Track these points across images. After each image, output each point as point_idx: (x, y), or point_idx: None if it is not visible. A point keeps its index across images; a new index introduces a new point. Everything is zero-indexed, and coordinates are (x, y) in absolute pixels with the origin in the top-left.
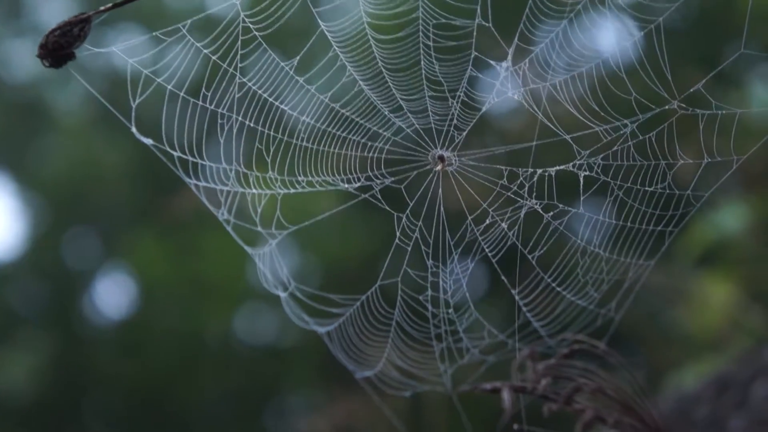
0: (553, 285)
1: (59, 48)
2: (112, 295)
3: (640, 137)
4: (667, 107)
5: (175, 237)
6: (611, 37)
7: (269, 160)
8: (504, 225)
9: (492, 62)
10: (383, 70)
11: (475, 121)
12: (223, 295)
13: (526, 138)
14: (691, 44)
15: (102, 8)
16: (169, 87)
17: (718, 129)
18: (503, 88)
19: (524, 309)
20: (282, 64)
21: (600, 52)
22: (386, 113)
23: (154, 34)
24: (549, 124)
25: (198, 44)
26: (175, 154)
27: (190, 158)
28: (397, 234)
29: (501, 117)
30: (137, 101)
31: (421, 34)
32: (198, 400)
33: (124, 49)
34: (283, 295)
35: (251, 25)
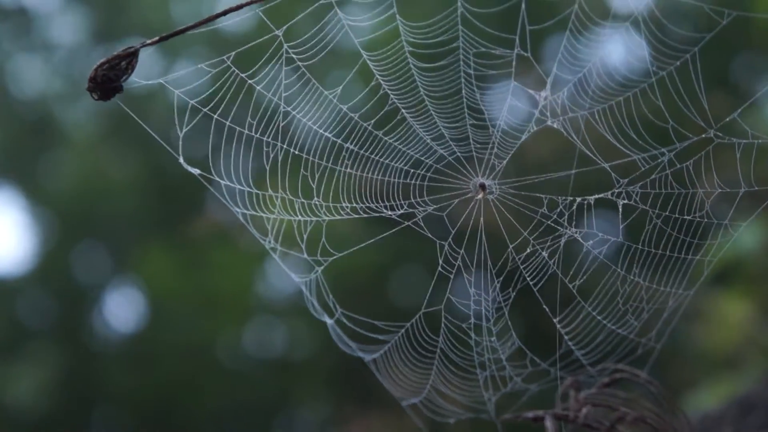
0: (594, 314)
1: (108, 81)
2: (122, 309)
3: (678, 166)
4: (704, 136)
5: (184, 251)
6: (644, 65)
7: (314, 187)
8: (545, 254)
9: (531, 92)
10: (425, 98)
11: (515, 149)
12: (232, 310)
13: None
14: (704, 65)
15: (148, 42)
16: (215, 116)
17: (742, 156)
18: (543, 116)
19: (566, 338)
20: (326, 92)
21: (636, 81)
22: (428, 141)
23: (200, 66)
24: (589, 153)
25: (242, 75)
26: (222, 182)
27: (237, 186)
28: (440, 262)
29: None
30: (183, 131)
31: (461, 62)
32: (207, 414)
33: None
34: (329, 321)
35: (294, 56)
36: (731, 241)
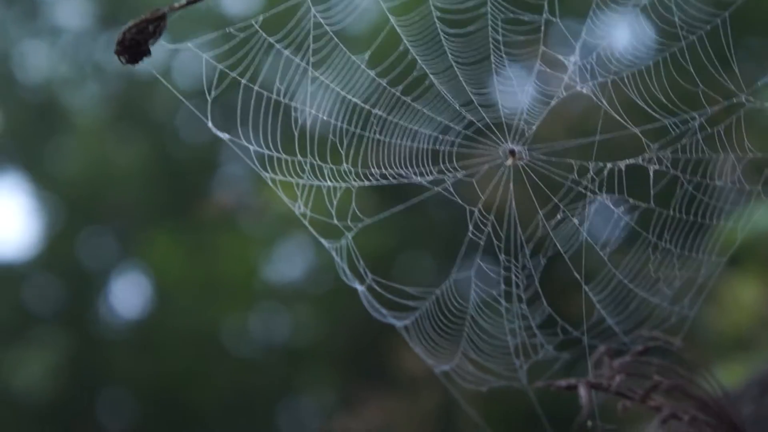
0: (625, 282)
1: (136, 45)
2: (128, 294)
3: (708, 131)
4: (734, 100)
5: (190, 236)
6: (673, 31)
7: (343, 153)
8: (575, 220)
9: (560, 56)
10: (453, 63)
11: (544, 114)
12: (238, 295)
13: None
14: (715, 36)
15: (176, 5)
16: (244, 81)
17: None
18: (572, 81)
19: (597, 306)
20: (353, 57)
21: (666, 46)
22: (457, 107)
23: (227, 29)
24: (619, 118)
25: (270, 39)
26: (251, 147)
27: (267, 152)
28: (470, 228)
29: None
30: (212, 96)
31: (490, 28)
32: (213, 400)
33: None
34: (360, 288)
35: (322, 20)
36: (762, 210)
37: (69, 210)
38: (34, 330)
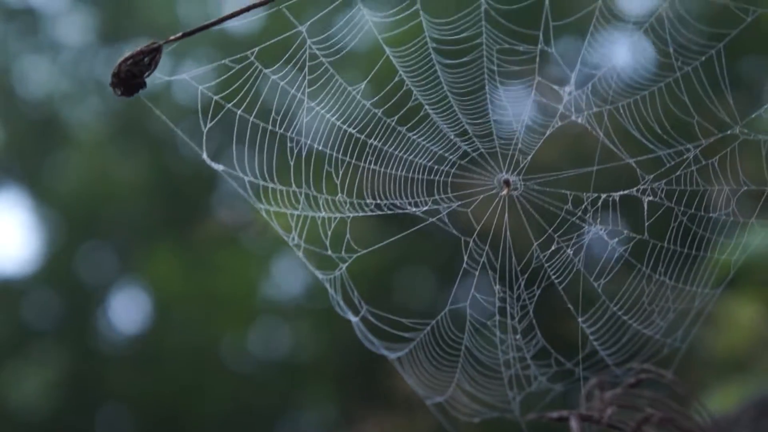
0: (619, 314)
1: (131, 77)
2: (127, 310)
3: (703, 162)
4: (729, 132)
5: (190, 252)
6: (667, 62)
7: (338, 183)
8: (570, 251)
9: (555, 87)
10: (448, 94)
11: (539, 144)
12: (237, 311)
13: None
14: (709, 65)
15: (172, 38)
16: (239, 112)
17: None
18: (567, 112)
19: (591, 338)
20: (349, 88)
21: (659, 77)
22: (452, 137)
23: (224, 61)
24: (614, 148)
25: (266, 71)
26: (246, 178)
27: (261, 182)
28: (465, 259)
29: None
30: (207, 126)
31: (485, 59)
32: (211, 416)
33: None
34: (354, 319)
35: (317, 51)
36: (759, 239)
37: (69, 225)
38: (33, 345)
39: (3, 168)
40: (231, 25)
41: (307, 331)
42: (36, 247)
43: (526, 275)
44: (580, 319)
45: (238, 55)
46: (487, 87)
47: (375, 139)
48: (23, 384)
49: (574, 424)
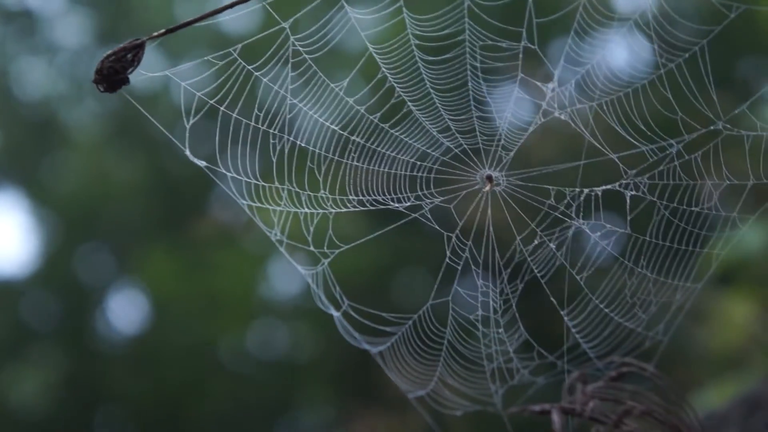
0: (601, 306)
1: (114, 73)
2: (125, 310)
3: (686, 157)
4: (712, 128)
5: (187, 253)
6: (652, 58)
7: (320, 179)
8: (552, 245)
9: (538, 83)
10: (431, 91)
11: (522, 141)
12: (235, 311)
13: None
14: (696, 62)
15: (155, 34)
16: (222, 108)
17: (750, 149)
18: (550, 108)
19: (573, 330)
20: (332, 85)
21: (643, 74)
22: (434, 133)
23: (206, 58)
24: (597, 144)
25: (249, 67)
26: (229, 174)
27: (244, 179)
28: (447, 254)
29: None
30: (190, 122)
31: (468, 55)
32: (210, 416)
33: (176, 72)
34: (336, 314)
35: (301, 48)
36: (740, 234)
37: (66, 226)
38: (32, 346)
39: (1, 170)
40: (227, 21)
41: (304, 331)
42: (34, 248)
43: (509, 270)
44: (563, 312)
45: (221, 52)
46: (470, 83)
47: (358, 136)
48: (22, 385)
49: (555, 417)
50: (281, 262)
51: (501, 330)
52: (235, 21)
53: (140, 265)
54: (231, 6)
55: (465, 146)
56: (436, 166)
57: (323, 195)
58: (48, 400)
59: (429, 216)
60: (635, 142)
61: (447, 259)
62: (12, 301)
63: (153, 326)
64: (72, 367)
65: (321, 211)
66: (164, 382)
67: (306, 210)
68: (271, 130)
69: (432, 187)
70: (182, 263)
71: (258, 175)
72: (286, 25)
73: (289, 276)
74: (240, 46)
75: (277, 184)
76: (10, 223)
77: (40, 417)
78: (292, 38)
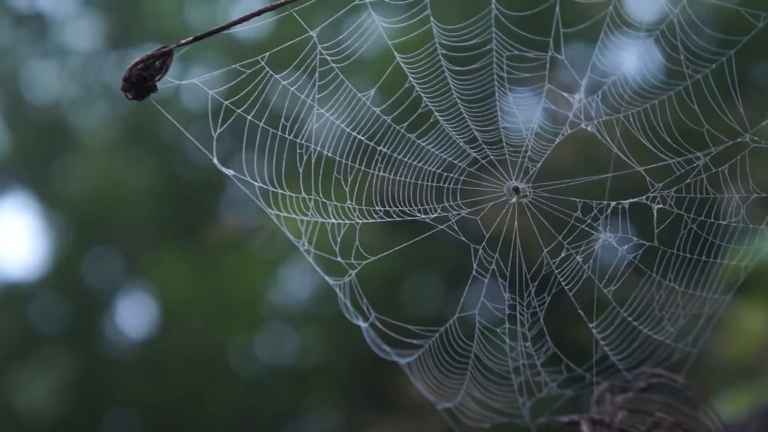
0: (630, 319)
1: (142, 81)
2: (134, 315)
3: (713, 170)
4: (739, 140)
5: (197, 257)
6: (676, 69)
7: (347, 190)
8: (579, 258)
9: (565, 94)
10: (458, 101)
11: (549, 152)
12: (244, 316)
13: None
14: (719, 72)
15: (183, 41)
16: (249, 117)
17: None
18: (576, 119)
19: (602, 343)
20: (359, 95)
21: (669, 85)
22: (461, 144)
23: (234, 66)
24: (623, 156)
25: (276, 76)
26: (256, 184)
27: (271, 188)
28: (474, 266)
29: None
30: (218, 131)
31: (495, 65)
32: (218, 421)
33: (203, 80)
34: (363, 325)
35: (328, 57)
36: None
37: (76, 230)
38: (40, 349)
39: (11, 172)
40: (240, 30)
41: (313, 336)
42: (43, 251)
43: (536, 282)
44: (591, 325)
45: (248, 60)
46: (496, 94)
47: (384, 146)
48: (30, 388)
49: (585, 427)
50: (291, 266)
51: (528, 344)
52: (249, 26)
53: (150, 269)
54: (260, 13)
55: (492, 157)
56: (462, 177)
57: (350, 205)
58: (56, 403)
59: (455, 227)
60: (662, 155)
61: (474, 271)
62: (21, 305)
63: (162, 331)
64: (80, 371)
65: (348, 221)
66: (173, 386)
67: (333, 220)
68: (298, 140)
69: (458, 198)
70: (192, 268)
71: (284, 184)
72: (313, 33)
73: (299, 281)
74: (267, 54)
75: (303, 193)
76: (19, 226)
77: (48, 420)
78: (319, 47)
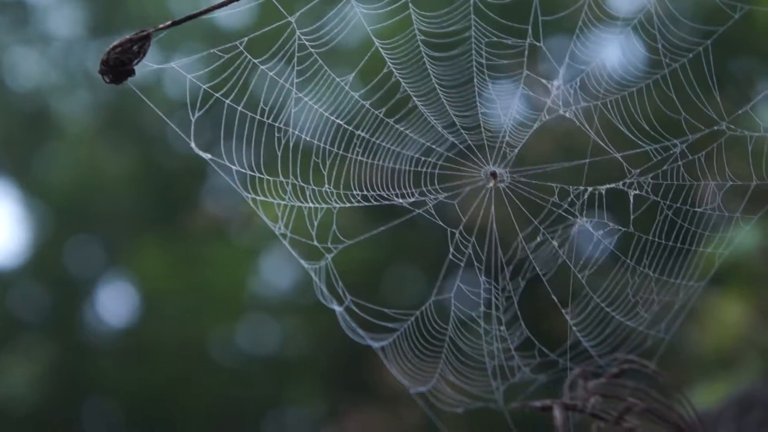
0: (603, 306)
1: (120, 64)
2: (115, 303)
3: (689, 157)
4: (716, 128)
5: (179, 246)
6: (654, 58)
7: (325, 174)
8: (555, 243)
9: (543, 81)
10: (437, 86)
11: (527, 138)
12: (225, 306)
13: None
14: (698, 62)
15: (161, 26)
16: (227, 101)
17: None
18: (554, 106)
19: (574, 329)
20: (338, 80)
21: (648, 74)
22: (439, 129)
23: (212, 50)
24: (601, 142)
25: (255, 61)
26: (234, 168)
27: (249, 172)
28: (451, 250)
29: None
30: (196, 116)
31: (474, 52)
32: (199, 410)
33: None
34: (338, 309)
35: (307, 42)
36: (743, 234)
37: (57, 218)
38: (20, 337)
39: None
40: (222, 16)
41: (295, 326)
42: (24, 239)
43: (511, 267)
44: (564, 311)
45: (228, 45)
46: (475, 80)
47: (363, 131)
48: (10, 376)
49: (557, 413)
50: (273, 256)
51: (502, 327)
52: (228, 15)
53: (131, 257)
54: None
55: (470, 142)
56: (440, 162)
57: (328, 189)
58: (36, 391)
59: (433, 212)
60: (640, 142)
61: (450, 256)
62: (1, 292)
63: (142, 319)
64: (60, 359)
65: (325, 206)
66: (153, 375)
67: (310, 204)
68: (276, 124)
69: (436, 182)
70: (173, 256)
71: (262, 169)
72: (292, 19)
73: (281, 271)
74: (246, 39)
75: (281, 177)
76: (0, 213)
77: (28, 407)
78: (298, 32)
